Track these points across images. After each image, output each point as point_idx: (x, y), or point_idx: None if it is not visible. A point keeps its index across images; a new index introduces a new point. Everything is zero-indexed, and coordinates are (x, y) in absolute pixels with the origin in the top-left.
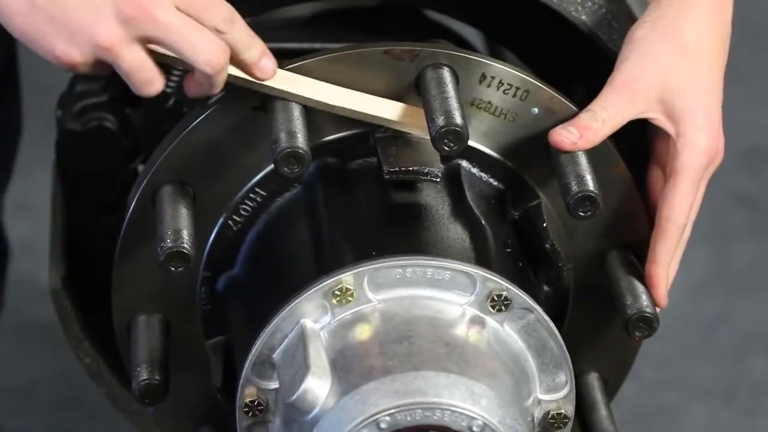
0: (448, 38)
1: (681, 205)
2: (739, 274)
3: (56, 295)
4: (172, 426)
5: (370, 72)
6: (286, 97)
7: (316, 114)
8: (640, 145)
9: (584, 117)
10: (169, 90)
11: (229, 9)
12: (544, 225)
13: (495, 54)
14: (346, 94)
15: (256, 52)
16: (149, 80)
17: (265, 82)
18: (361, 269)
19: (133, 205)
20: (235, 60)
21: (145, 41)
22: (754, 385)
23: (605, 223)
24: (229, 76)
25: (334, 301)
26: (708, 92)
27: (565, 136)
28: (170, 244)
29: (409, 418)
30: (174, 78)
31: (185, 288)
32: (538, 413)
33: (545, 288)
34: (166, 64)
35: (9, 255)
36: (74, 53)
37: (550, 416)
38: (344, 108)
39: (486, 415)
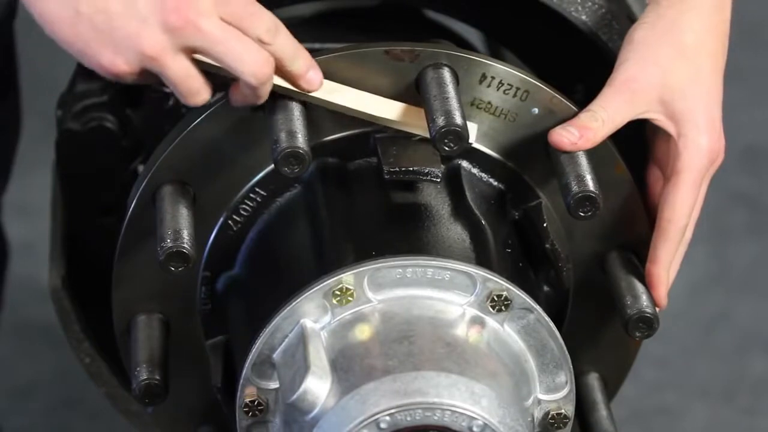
0: (449, 38)
1: (682, 206)
2: (739, 274)
3: (56, 295)
4: (172, 426)
5: (371, 72)
6: (289, 95)
7: (316, 114)
8: (640, 145)
9: (584, 117)
10: (168, 90)
11: (274, 20)
12: (545, 225)
13: (495, 54)
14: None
15: (303, 63)
16: (196, 90)
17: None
18: (361, 269)
19: (133, 205)
20: (280, 71)
21: (190, 51)
22: (754, 385)
23: (605, 223)
24: (274, 85)
25: (334, 301)
26: (708, 92)
27: (564, 136)
28: (170, 244)
29: (409, 418)
30: None
31: (185, 288)
32: (538, 413)
33: (545, 288)
34: (211, 73)
35: (9, 255)
36: (120, 63)
37: (550, 416)
38: (347, 107)
39: (486, 416)
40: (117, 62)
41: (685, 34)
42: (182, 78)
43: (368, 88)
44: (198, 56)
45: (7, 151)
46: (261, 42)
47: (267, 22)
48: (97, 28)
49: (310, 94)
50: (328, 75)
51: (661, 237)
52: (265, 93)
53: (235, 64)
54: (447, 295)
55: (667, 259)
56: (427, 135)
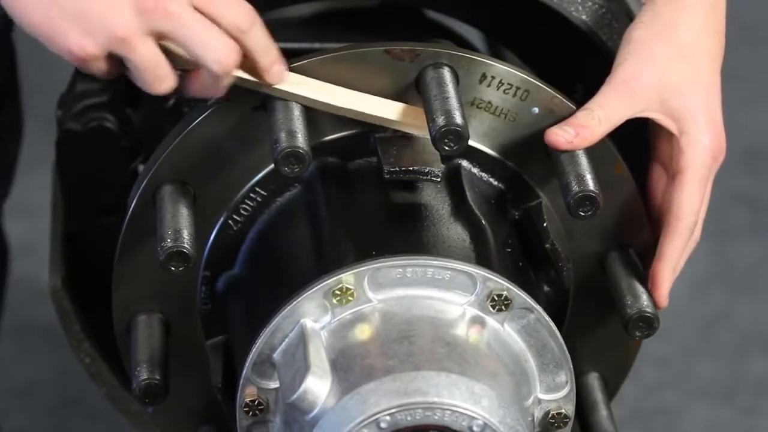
0: (449, 38)
1: (690, 204)
2: (740, 274)
3: (56, 295)
4: (172, 426)
5: (371, 72)
6: (288, 98)
7: (316, 114)
8: (640, 145)
9: (581, 116)
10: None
11: (249, 11)
12: (545, 225)
13: (495, 54)
14: (348, 94)
15: (273, 57)
16: (161, 77)
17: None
18: (361, 269)
19: (133, 205)
20: (247, 63)
21: (159, 37)
22: (754, 385)
23: (605, 223)
24: (238, 78)
25: (334, 301)
26: (707, 91)
27: (561, 135)
28: (170, 244)
29: (409, 418)
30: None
31: (185, 288)
32: (538, 413)
33: (545, 288)
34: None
35: (9, 256)
36: (88, 44)
37: (550, 416)
38: (346, 108)
39: (486, 415)
40: (85, 44)
41: (683, 32)
42: (149, 63)
43: (368, 88)
44: (166, 43)
45: (9, 157)
46: (236, 32)
47: (242, 13)
48: (67, 10)
49: (276, 86)
50: (327, 74)
51: (670, 235)
52: (225, 84)
53: (200, 50)
54: (447, 294)
55: (674, 257)
56: (427, 135)
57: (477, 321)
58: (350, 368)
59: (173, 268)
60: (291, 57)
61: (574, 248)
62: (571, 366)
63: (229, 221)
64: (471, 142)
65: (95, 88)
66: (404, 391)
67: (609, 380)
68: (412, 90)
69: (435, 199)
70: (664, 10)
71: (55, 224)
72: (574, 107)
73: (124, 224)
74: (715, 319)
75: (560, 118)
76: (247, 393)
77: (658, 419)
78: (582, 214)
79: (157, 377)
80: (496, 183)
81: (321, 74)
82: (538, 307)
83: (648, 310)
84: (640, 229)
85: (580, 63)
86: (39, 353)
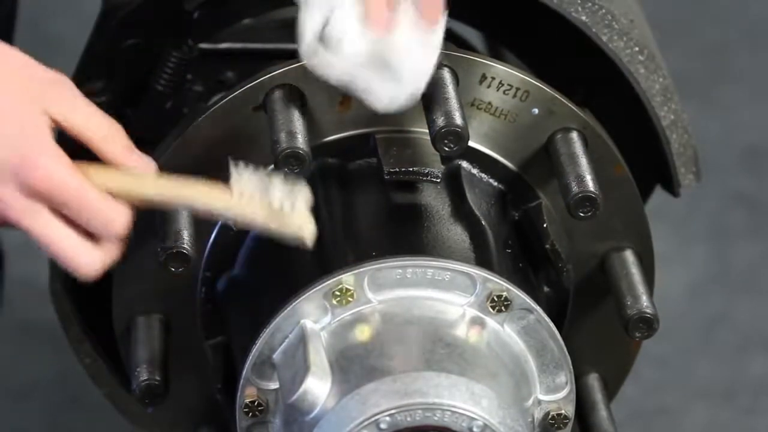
0: (449, 38)
1: None
2: (739, 274)
3: (56, 295)
4: (172, 426)
5: None
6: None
7: (316, 114)
8: (640, 145)
9: None
10: (160, 88)
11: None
12: (545, 225)
13: (495, 54)
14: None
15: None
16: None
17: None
18: (361, 270)
19: None
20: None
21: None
22: (754, 385)
23: (605, 223)
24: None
25: (334, 302)
26: None
27: None
28: (170, 245)
29: (409, 419)
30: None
31: (185, 288)
32: (538, 414)
33: (545, 288)
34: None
35: (4, 257)
36: None
37: (550, 417)
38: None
39: (486, 416)
40: None
41: None
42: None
43: None
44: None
45: None
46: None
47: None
48: None
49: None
50: None
51: None
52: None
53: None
54: (447, 295)
55: None
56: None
57: (477, 322)
58: (350, 369)
59: (173, 269)
60: (291, 58)
61: (574, 248)
62: (571, 367)
63: (229, 221)
64: (471, 143)
65: (95, 88)
66: (404, 391)
67: (609, 381)
68: None
69: (435, 199)
70: None
71: None
72: (574, 107)
73: None
74: (715, 320)
75: (560, 119)
76: (247, 393)
77: (658, 419)
78: (582, 214)
79: (157, 378)
80: (496, 184)
81: None
82: (537, 307)
83: (648, 310)
84: (640, 229)
85: (580, 63)
86: (39, 353)
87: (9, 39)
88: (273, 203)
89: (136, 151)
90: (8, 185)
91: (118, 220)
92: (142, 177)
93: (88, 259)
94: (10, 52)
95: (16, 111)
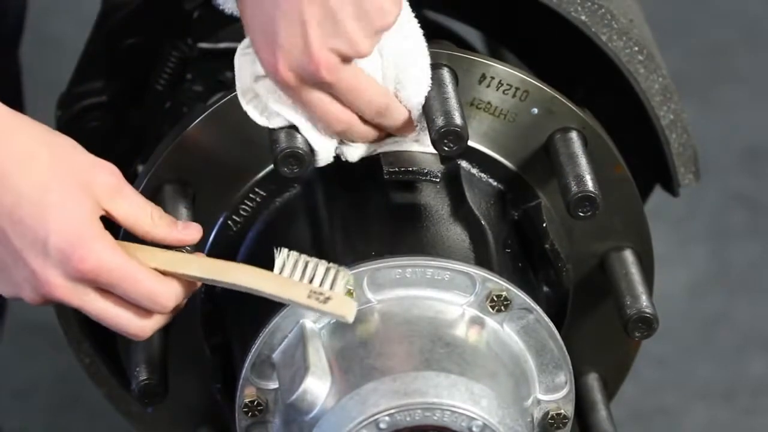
0: (449, 38)
1: None
2: (739, 274)
3: None
4: (172, 426)
5: None
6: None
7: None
8: (639, 146)
9: None
10: (160, 87)
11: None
12: (544, 225)
13: (495, 54)
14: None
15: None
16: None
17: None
18: (360, 269)
19: None
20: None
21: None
22: (754, 385)
23: (605, 223)
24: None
25: None
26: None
27: None
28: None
29: (408, 419)
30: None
31: None
32: (537, 413)
33: (545, 288)
34: None
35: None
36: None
37: (549, 416)
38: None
39: (486, 416)
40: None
41: None
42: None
43: None
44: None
45: None
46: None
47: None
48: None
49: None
50: None
51: None
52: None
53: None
54: (447, 295)
55: None
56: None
57: (476, 321)
58: (350, 368)
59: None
60: None
61: (573, 248)
62: (571, 366)
63: (229, 221)
64: (470, 143)
65: (95, 88)
66: (404, 391)
67: (609, 380)
68: None
69: (434, 199)
70: None
71: None
72: (574, 107)
73: None
74: (714, 320)
75: (560, 119)
76: (247, 393)
77: (658, 419)
78: (581, 214)
79: (157, 377)
80: (495, 183)
81: None
82: (537, 307)
83: (647, 310)
84: (639, 229)
85: (580, 63)
86: (39, 353)
87: (16, 66)
88: (314, 286)
89: (179, 223)
90: (56, 269)
91: (166, 296)
92: (187, 257)
93: (138, 331)
94: (58, 138)
95: (67, 200)
